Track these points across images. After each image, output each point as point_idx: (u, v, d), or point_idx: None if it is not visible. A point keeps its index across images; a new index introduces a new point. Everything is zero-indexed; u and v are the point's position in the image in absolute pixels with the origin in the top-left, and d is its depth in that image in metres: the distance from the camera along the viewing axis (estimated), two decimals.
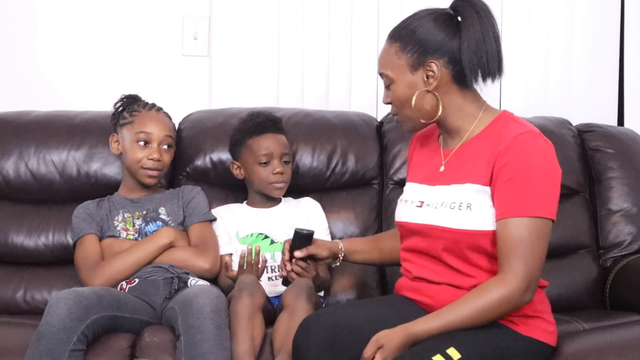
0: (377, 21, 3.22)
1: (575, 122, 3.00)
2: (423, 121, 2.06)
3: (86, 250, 2.50)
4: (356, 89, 3.23)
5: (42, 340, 2.08)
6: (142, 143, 2.56)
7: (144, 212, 2.57)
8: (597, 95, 3.29)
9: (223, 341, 2.14)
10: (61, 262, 2.72)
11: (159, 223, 2.57)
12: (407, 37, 2.03)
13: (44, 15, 3.25)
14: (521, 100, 3.23)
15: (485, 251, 1.97)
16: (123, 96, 2.69)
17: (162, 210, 2.59)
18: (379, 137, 2.90)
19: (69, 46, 3.25)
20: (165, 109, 2.70)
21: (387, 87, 2.09)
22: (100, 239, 2.53)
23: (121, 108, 2.66)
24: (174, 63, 3.27)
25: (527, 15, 3.26)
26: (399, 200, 2.18)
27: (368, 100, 3.23)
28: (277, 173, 2.60)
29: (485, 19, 1.99)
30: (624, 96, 3.29)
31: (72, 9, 3.25)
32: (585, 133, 2.93)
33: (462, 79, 2.02)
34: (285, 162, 2.63)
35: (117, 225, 2.55)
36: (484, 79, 2.01)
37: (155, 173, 2.57)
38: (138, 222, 2.56)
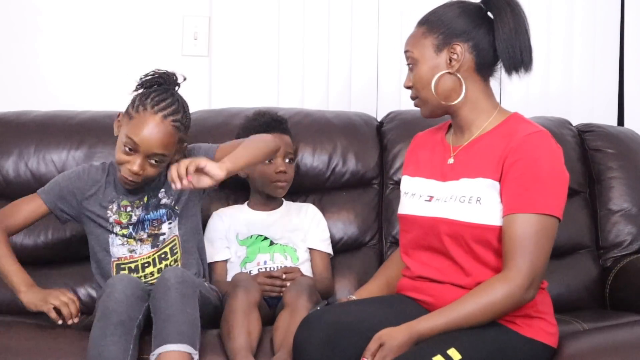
0: (377, 21, 3.21)
1: (575, 122, 3.00)
2: (443, 103, 2.07)
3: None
4: (356, 89, 3.23)
5: (114, 314, 2.10)
6: (127, 149, 2.30)
7: (145, 198, 2.42)
8: (597, 95, 3.29)
9: (186, 307, 2.13)
10: (61, 261, 2.72)
11: (162, 211, 2.42)
12: (434, 20, 2.08)
13: (44, 15, 3.25)
14: (521, 100, 3.22)
15: (492, 247, 1.98)
16: (156, 73, 2.38)
17: (161, 194, 2.42)
18: (379, 137, 2.90)
19: (68, 46, 3.25)
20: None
21: (411, 68, 2.11)
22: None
23: (141, 89, 2.36)
24: (174, 63, 3.24)
25: (527, 15, 3.24)
26: (403, 194, 2.18)
27: (368, 100, 3.23)
28: (280, 172, 2.60)
29: (517, 12, 2.08)
30: (624, 96, 3.29)
31: (72, 9, 3.25)
32: (585, 133, 2.93)
33: (484, 69, 2.07)
34: (289, 160, 2.63)
35: (110, 217, 2.41)
36: (516, 71, 2.07)
37: (130, 184, 2.35)
38: (137, 211, 2.41)
